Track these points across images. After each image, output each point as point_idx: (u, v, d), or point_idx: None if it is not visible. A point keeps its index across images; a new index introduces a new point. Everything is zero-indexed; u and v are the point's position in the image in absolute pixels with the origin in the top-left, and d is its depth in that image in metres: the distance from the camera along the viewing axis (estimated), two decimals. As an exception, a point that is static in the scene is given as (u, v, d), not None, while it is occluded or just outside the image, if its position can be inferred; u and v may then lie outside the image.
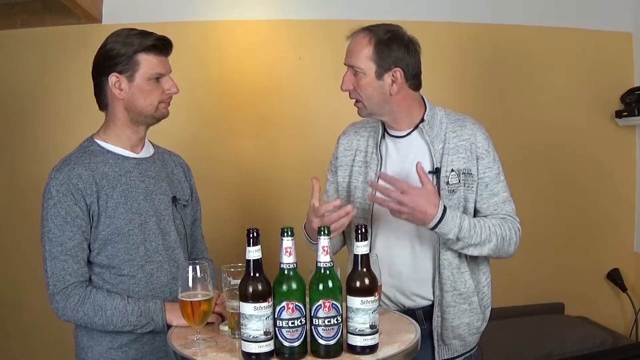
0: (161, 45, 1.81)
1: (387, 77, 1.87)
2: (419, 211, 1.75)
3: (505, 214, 1.91)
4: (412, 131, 1.94)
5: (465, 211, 1.89)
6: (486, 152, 1.91)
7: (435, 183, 1.88)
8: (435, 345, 1.91)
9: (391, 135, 1.97)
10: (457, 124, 1.93)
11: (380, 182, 1.83)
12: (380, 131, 1.97)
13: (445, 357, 1.93)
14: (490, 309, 2.01)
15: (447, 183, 1.88)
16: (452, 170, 1.88)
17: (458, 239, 1.81)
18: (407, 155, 1.93)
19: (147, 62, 1.79)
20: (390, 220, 1.92)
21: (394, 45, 1.86)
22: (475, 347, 2.00)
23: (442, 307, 1.89)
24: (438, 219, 1.77)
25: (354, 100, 1.93)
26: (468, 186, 1.89)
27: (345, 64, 1.93)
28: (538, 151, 3.29)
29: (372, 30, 1.89)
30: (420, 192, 1.76)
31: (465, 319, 1.91)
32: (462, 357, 1.96)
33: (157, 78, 1.82)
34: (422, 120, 1.92)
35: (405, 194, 1.75)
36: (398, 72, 1.87)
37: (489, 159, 1.91)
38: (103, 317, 1.74)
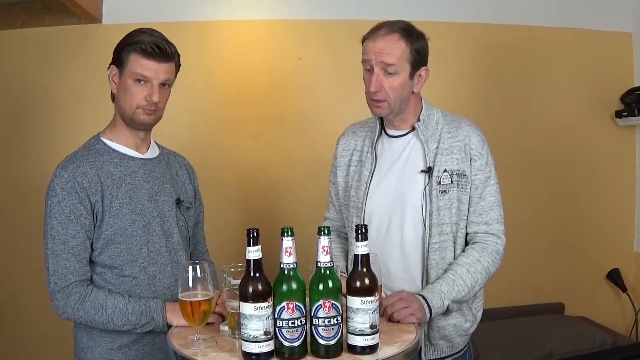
0: (151, 50, 1.77)
1: (416, 76, 1.88)
2: (413, 300, 1.75)
3: (488, 223, 1.90)
4: (409, 131, 1.95)
5: (459, 212, 1.89)
6: (479, 154, 1.90)
7: (427, 182, 1.88)
8: (422, 345, 1.91)
9: (388, 135, 1.97)
10: (453, 125, 1.93)
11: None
12: (377, 130, 1.97)
13: (432, 358, 1.93)
14: (482, 311, 2.00)
15: (439, 183, 1.88)
16: (445, 171, 1.88)
17: (455, 300, 1.83)
18: (400, 155, 1.94)
19: (134, 61, 1.79)
20: (382, 220, 1.93)
21: (423, 42, 1.88)
22: (464, 348, 1.99)
23: None
24: (423, 299, 1.78)
25: (378, 99, 1.87)
26: (462, 187, 1.89)
27: (371, 63, 1.85)
28: (537, 151, 3.29)
29: (399, 29, 1.85)
30: (396, 295, 1.76)
31: (452, 320, 1.90)
32: (450, 359, 1.95)
33: (141, 81, 1.79)
34: (418, 119, 1.93)
35: (397, 297, 1.74)
36: (425, 71, 1.90)
37: (481, 162, 1.90)
38: (104, 315, 1.74)
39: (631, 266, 3.41)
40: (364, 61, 1.88)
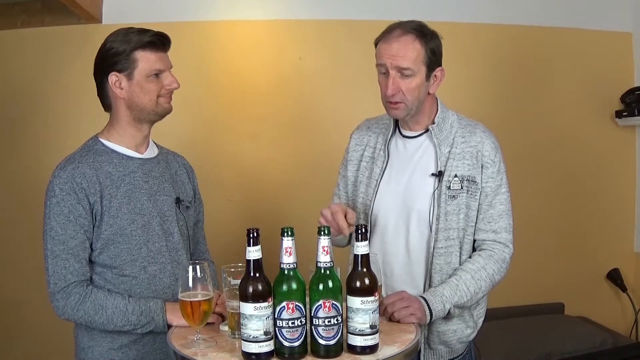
0: (158, 42, 1.81)
1: (432, 77, 1.86)
2: (414, 300, 1.75)
3: (496, 232, 1.88)
4: (423, 132, 1.93)
5: (467, 218, 1.88)
6: (491, 161, 1.88)
7: (436, 186, 1.87)
8: (421, 349, 1.90)
9: (403, 135, 1.96)
10: (467, 130, 1.91)
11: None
12: (392, 129, 1.96)
13: None
14: (483, 318, 1.99)
15: (449, 188, 1.86)
16: (456, 176, 1.87)
17: (457, 305, 1.82)
18: (412, 156, 1.93)
19: (145, 59, 1.79)
20: (388, 219, 1.92)
21: (437, 42, 1.85)
22: (463, 352, 1.98)
23: None
24: (424, 301, 1.77)
25: (395, 102, 1.84)
26: (471, 194, 1.87)
27: (386, 67, 1.82)
28: (538, 151, 3.29)
29: (413, 29, 1.82)
30: (397, 294, 1.76)
31: (452, 326, 1.90)
32: None
33: (157, 74, 1.81)
34: (433, 122, 1.91)
35: (398, 296, 1.74)
36: (440, 71, 1.87)
37: (493, 169, 1.88)
38: (104, 316, 1.74)
39: (631, 266, 3.41)
40: (378, 65, 1.86)
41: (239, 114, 3.05)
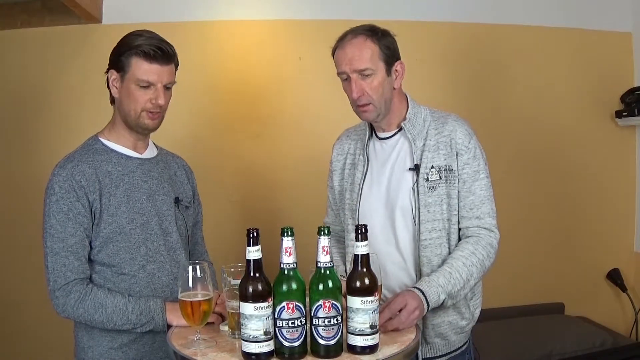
0: (154, 53, 1.77)
1: (393, 72, 1.90)
2: (415, 306, 1.71)
3: (480, 217, 1.88)
4: (397, 132, 1.96)
5: (450, 208, 1.88)
6: (466, 148, 1.89)
7: (415, 180, 1.88)
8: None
9: (378, 137, 1.99)
10: (440, 121, 1.94)
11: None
12: (367, 133, 1.99)
13: (429, 356, 1.92)
14: (480, 308, 1.99)
15: (427, 180, 1.88)
16: (432, 167, 1.88)
17: (450, 293, 1.80)
18: (390, 156, 1.95)
19: (137, 66, 1.78)
20: (375, 220, 1.93)
21: (390, 39, 1.91)
22: (462, 347, 1.97)
23: None
24: (420, 292, 1.75)
25: (363, 104, 1.88)
26: (450, 182, 1.88)
27: (346, 73, 1.87)
28: (538, 151, 3.29)
29: (363, 30, 1.88)
30: (394, 299, 1.73)
31: (446, 318, 1.90)
32: (447, 357, 1.94)
33: (146, 86, 1.79)
34: (405, 118, 1.94)
35: (395, 303, 1.70)
36: (399, 65, 1.91)
37: (468, 156, 1.89)
38: (103, 314, 1.74)
39: (631, 266, 3.41)
40: (339, 74, 1.91)
41: (239, 114, 3.05)
